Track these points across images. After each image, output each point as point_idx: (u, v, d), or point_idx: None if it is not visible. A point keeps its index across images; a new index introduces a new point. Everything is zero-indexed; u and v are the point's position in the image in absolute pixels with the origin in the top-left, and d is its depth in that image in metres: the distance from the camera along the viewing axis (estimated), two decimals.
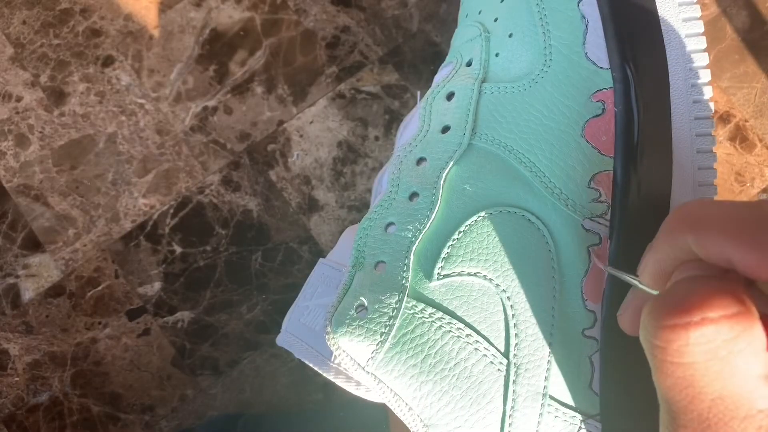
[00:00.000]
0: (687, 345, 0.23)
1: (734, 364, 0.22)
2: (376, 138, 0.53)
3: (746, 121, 0.51)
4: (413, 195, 0.37)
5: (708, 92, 0.36)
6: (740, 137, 0.51)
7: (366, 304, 0.35)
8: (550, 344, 0.34)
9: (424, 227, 0.35)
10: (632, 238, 0.34)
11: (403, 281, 0.35)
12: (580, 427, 0.35)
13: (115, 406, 0.52)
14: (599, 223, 0.35)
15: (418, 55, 0.53)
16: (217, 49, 0.54)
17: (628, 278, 0.30)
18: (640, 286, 0.29)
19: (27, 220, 0.53)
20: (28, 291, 0.53)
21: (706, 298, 0.23)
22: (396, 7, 0.53)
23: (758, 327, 0.22)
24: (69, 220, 0.53)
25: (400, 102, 0.53)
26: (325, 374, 0.36)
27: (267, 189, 0.53)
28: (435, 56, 0.53)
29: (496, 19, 0.41)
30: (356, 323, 0.34)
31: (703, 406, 0.23)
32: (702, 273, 0.25)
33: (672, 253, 0.26)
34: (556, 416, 0.34)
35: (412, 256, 0.35)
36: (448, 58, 0.43)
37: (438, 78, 0.42)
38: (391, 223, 0.37)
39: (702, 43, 0.36)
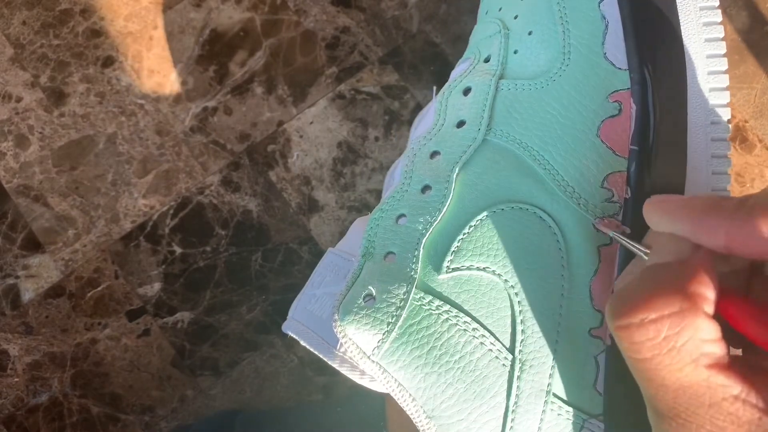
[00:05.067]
0: (634, 344, 0.25)
1: (681, 357, 0.24)
2: (376, 138, 0.53)
3: (746, 121, 0.51)
4: (426, 188, 0.37)
5: (725, 97, 0.36)
6: (740, 138, 0.51)
7: (374, 294, 0.35)
8: (556, 342, 0.34)
9: (435, 220, 0.35)
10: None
11: (412, 273, 0.35)
12: (582, 426, 0.35)
13: (115, 407, 0.52)
14: None
15: (418, 56, 0.53)
16: (217, 49, 0.54)
17: (633, 248, 0.31)
18: (644, 257, 0.30)
19: (27, 221, 0.53)
20: (28, 291, 0.53)
21: (647, 300, 0.25)
22: (396, 7, 0.54)
23: (702, 320, 0.24)
24: (69, 220, 0.53)
25: (400, 102, 0.53)
26: (330, 362, 0.36)
27: (267, 189, 0.53)
28: (435, 57, 0.53)
29: (516, 17, 0.41)
30: (364, 312, 0.34)
31: (668, 398, 0.25)
32: (674, 250, 0.27)
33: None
34: (558, 414, 0.34)
35: (421, 249, 0.35)
36: (465, 54, 0.43)
37: (455, 73, 0.42)
38: (402, 215, 0.37)
39: (721, 47, 0.36)
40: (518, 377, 0.34)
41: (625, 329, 0.25)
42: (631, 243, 0.31)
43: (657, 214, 0.28)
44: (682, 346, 0.24)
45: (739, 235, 0.25)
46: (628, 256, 0.34)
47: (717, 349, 0.25)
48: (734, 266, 0.28)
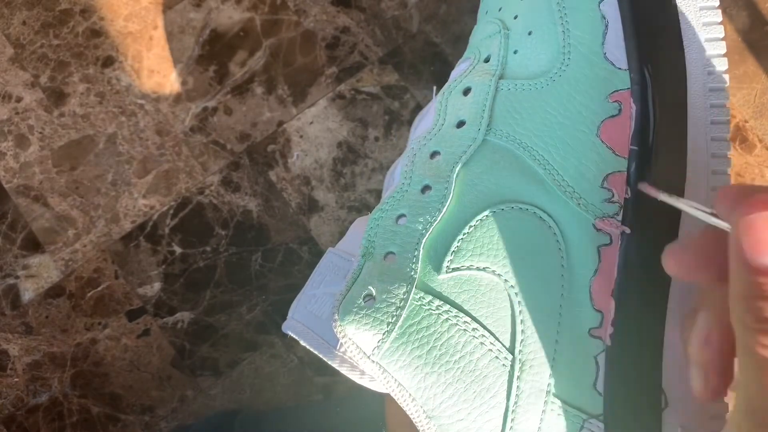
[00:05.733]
0: None
1: None
2: (376, 138, 0.53)
3: (746, 121, 0.51)
4: (425, 188, 0.37)
5: (725, 97, 0.36)
6: (740, 138, 0.51)
7: (374, 294, 0.35)
8: (555, 342, 0.34)
9: (435, 220, 0.36)
10: (643, 239, 0.34)
11: (412, 273, 0.35)
12: (582, 426, 0.35)
13: (115, 407, 0.52)
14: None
15: (418, 56, 0.53)
16: (217, 49, 0.54)
17: (694, 211, 0.28)
18: (712, 220, 0.27)
19: (27, 221, 0.53)
20: (28, 291, 0.53)
21: None
22: (396, 7, 0.54)
23: None
24: (69, 220, 0.53)
25: (400, 102, 0.53)
26: (330, 362, 0.36)
27: (267, 189, 0.53)
28: (435, 57, 0.53)
29: (516, 17, 0.41)
30: (363, 312, 0.34)
31: None
32: None
33: None
34: (558, 414, 0.34)
35: (421, 249, 0.35)
36: (465, 54, 0.43)
37: (455, 73, 0.42)
38: (402, 215, 0.37)
39: (722, 47, 0.36)
40: (518, 377, 0.34)
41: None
42: (691, 204, 0.29)
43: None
44: None
45: None
46: (628, 256, 0.34)
47: None
48: None
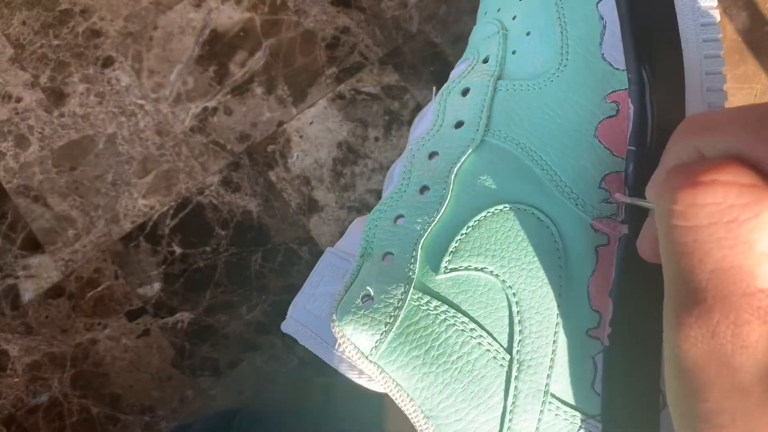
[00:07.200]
0: (693, 205, 0.23)
1: (738, 233, 0.22)
2: (376, 139, 0.53)
3: None
4: (424, 188, 0.37)
5: (723, 98, 0.36)
6: None
7: (372, 294, 0.35)
8: (553, 342, 0.34)
9: (433, 221, 0.36)
10: None
11: (410, 273, 0.35)
12: (580, 427, 0.35)
13: (115, 407, 0.52)
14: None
15: (418, 56, 0.53)
16: (217, 49, 0.54)
17: (646, 204, 0.30)
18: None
19: (27, 221, 0.53)
20: (28, 292, 0.53)
21: (721, 164, 0.23)
22: (396, 8, 0.53)
23: None
24: (69, 220, 0.53)
25: (399, 103, 0.53)
26: (328, 362, 0.36)
27: (267, 190, 0.53)
28: (435, 57, 0.53)
29: (514, 17, 0.41)
30: (362, 312, 0.34)
31: (702, 277, 0.23)
32: None
33: (679, 161, 0.26)
34: (556, 414, 0.34)
35: (420, 249, 0.35)
36: (464, 55, 0.43)
37: (454, 73, 0.42)
38: (400, 216, 0.37)
39: (719, 47, 0.36)
40: (516, 377, 0.34)
41: (689, 187, 0.23)
42: (645, 201, 0.30)
43: (690, 137, 0.25)
44: (745, 221, 0.22)
45: None
46: (627, 256, 0.34)
47: None
48: None
